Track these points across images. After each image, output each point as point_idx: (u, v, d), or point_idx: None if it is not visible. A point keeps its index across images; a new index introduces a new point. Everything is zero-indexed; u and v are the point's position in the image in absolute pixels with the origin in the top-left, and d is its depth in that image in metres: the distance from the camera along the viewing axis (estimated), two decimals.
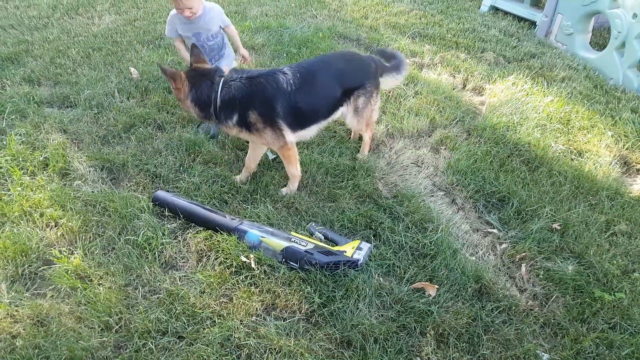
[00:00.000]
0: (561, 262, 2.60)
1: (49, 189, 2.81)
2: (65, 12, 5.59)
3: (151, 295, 2.27)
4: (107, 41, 4.77)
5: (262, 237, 2.49)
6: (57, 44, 4.69)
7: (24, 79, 4.05)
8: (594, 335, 2.20)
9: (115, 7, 5.80)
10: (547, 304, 2.39)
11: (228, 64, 3.52)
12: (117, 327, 2.11)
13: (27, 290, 2.26)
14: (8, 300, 2.18)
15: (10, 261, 2.35)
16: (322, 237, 2.60)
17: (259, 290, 2.30)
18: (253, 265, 2.38)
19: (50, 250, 2.44)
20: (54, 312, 2.14)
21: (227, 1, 6.06)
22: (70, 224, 2.57)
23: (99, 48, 4.62)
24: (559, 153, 3.44)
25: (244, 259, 2.40)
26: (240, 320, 2.16)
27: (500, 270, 2.59)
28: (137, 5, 5.86)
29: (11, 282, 2.28)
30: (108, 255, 2.45)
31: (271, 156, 3.20)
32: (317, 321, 2.21)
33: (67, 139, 3.30)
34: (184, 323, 2.13)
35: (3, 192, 2.78)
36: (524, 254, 2.64)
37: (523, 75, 4.41)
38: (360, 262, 2.41)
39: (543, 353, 2.14)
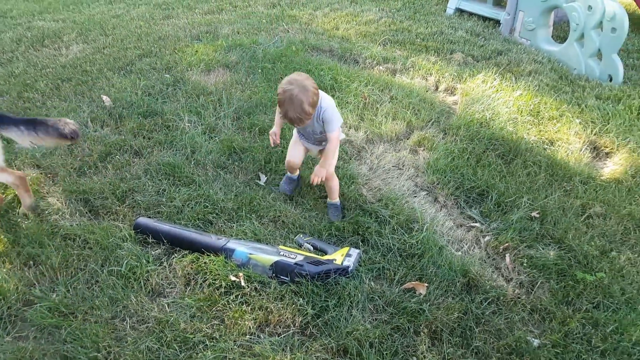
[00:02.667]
0: (543, 248, 2.67)
1: (24, 226, 2.74)
2: (30, 44, 5.51)
3: (140, 325, 2.21)
4: (76, 71, 4.72)
5: (250, 254, 2.48)
6: (23, 77, 4.61)
7: None
8: (580, 315, 2.26)
9: (83, 35, 5.74)
10: (533, 290, 2.44)
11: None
12: None
13: (7, 334, 2.16)
14: None
15: None
16: (311, 248, 2.59)
17: (251, 308, 2.28)
18: (243, 284, 2.36)
19: (30, 289, 2.36)
20: (38, 353, 2.06)
21: (198, 22, 6.08)
22: (50, 260, 2.50)
23: (68, 78, 4.56)
24: (532, 144, 3.53)
25: (233, 278, 2.38)
26: (234, 341, 2.13)
27: (485, 262, 2.63)
28: (105, 32, 5.82)
29: None
30: (92, 288, 2.38)
31: (263, 180, 3.20)
32: (312, 332, 2.20)
33: (41, 173, 3.24)
34: (176, 350, 2.08)
35: None
36: (507, 244, 2.69)
37: (492, 73, 4.53)
38: (350, 268, 2.42)
39: (534, 339, 2.18)
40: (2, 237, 2.67)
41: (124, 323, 2.22)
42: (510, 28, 5.65)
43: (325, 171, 2.62)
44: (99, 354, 2.06)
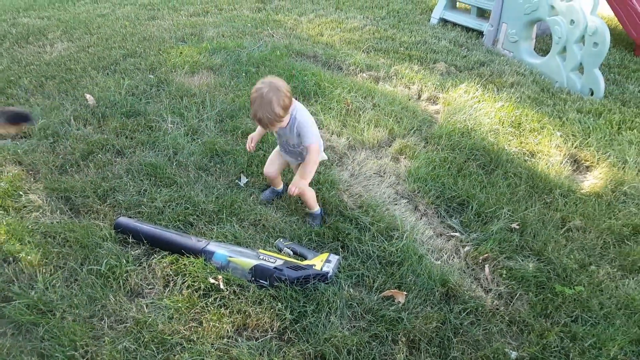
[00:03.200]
0: (522, 260, 2.70)
1: (4, 223, 2.70)
2: (15, 41, 5.43)
3: (117, 325, 2.20)
4: (60, 69, 4.66)
5: (229, 257, 2.47)
6: (7, 74, 4.54)
7: None
8: (558, 329, 2.29)
9: (67, 34, 5.68)
10: (511, 302, 2.47)
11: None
12: None
13: None
14: None
15: None
16: (291, 252, 2.60)
17: (229, 312, 2.28)
18: (222, 286, 2.36)
19: (9, 286, 2.33)
20: (16, 350, 2.05)
21: (183, 23, 6.06)
22: (29, 257, 2.47)
23: (52, 76, 4.51)
24: (513, 155, 3.59)
25: (212, 281, 2.38)
26: (212, 344, 2.13)
27: (465, 272, 2.66)
28: (90, 31, 5.76)
29: None
30: (71, 287, 2.36)
31: (243, 181, 3.20)
32: (290, 338, 2.21)
33: (23, 170, 3.19)
34: (153, 351, 2.07)
35: None
36: (486, 255, 2.72)
37: (474, 83, 4.61)
38: (329, 274, 2.43)
39: (511, 351, 2.20)
40: None
41: (102, 322, 2.21)
42: (494, 39, 5.76)
43: (305, 182, 2.55)
44: (76, 353, 2.04)
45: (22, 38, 5.52)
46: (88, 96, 4.08)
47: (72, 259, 2.50)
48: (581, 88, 4.64)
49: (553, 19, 4.79)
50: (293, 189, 2.52)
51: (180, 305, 2.28)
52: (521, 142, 3.78)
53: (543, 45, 5.72)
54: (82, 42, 5.39)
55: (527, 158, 3.62)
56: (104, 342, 2.10)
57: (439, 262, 2.68)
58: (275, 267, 2.41)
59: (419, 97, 4.53)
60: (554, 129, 3.92)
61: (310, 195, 2.82)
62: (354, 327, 2.27)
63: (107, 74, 4.59)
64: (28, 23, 6.06)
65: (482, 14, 6.25)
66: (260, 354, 2.11)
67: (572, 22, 4.57)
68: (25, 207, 2.87)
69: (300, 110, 2.55)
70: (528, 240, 2.83)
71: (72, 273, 2.44)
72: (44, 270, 2.43)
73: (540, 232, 2.88)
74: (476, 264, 2.71)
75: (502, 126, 3.93)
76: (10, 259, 2.50)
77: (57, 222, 2.75)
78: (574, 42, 4.58)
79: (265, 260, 2.46)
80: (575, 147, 3.72)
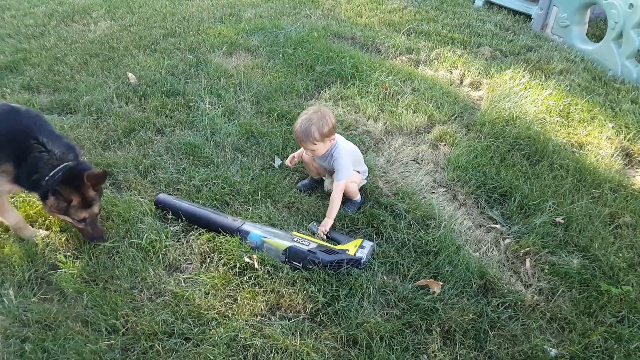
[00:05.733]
0: (566, 256, 2.60)
1: None
2: (61, 19, 5.58)
3: (156, 298, 2.27)
4: (103, 47, 4.77)
5: (264, 237, 2.49)
6: (54, 51, 4.69)
7: (23, 86, 4.04)
8: (602, 329, 2.19)
9: (110, 13, 5.79)
10: (553, 298, 2.38)
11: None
12: (124, 329, 2.10)
13: (34, 295, 2.25)
14: (16, 305, 2.18)
15: (17, 266, 2.35)
16: (324, 237, 2.60)
17: (263, 291, 2.30)
18: (256, 266, 2.38)
19: (56, 255, 2.43)
20: (62, 316, 2.15)
21: (221, 4, 6.07)
22: (74, 229, 2.56)
23: (96, 54, 4.62)
24: (560, 146, 3.43)
25: (247, 260, 2.41)
26: (246, 321, 2.16)
27: (504, 265, 2.58)
28: (132, 10, 5.86)
29: (19, 287, 2.28)
30: (113, 259, 2.44)
31: (277, 163, 3.21)
32: (322, 320, 2.21)
33: None
34: (190, 324, 2.13)
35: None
36: (528, 248, 2.63)
37: (521, 69, 4.41)
38: (363, 260, 2.41)
39: (551, 348, 2.13)
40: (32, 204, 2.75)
41: (142, 294, 2.28)
42: (543, 24, 5.48)
43: (331, 221, 2.66)
44: (117, 322, 2.12)
45: (68, 16, 5.67)
46: (130, 74, 4.16)
47: (114, 232, 2.57)
48: (637, 77, 4.36)
49: (609, 2, 4.51)
50: (322, 229, 2.62)
51: (216, 281, 2.32)
52: (569, 133, 3.61)
53: (596, 31, 5.40)
54: (125, 21, 5.49)
55: (575, 149, 3.45)
56: (143, 313, 2.17)
57: (477, 254, 2.61)
58: (309, 250, 2.42)
59: (461, 82, 4.39)
60: (605, 120, 3.71)
61: (352, 190, 2.81)
62: (387, 314, 2.25)
63: (148, 53, 4.66)
64: (74, 2, 6.20)
65: None
66: (293, 334, 2.13)
67: (630, 5, 4.28)
68: None
69: (340, 148, 2.69)
70: (573, 235, 2.71)
71: (114, 245, 2.52)
72: (88, 242, 2.51)
73: (586, 227, 2.75)
74: (517, 257, 2.63)
75: (549, 115, 3.76)
76: (57, 229, 2.60)
77: None
78: (631, 28, 4.30)
79: (299, 242, 2.46)
80: (628, 140, 3.52)
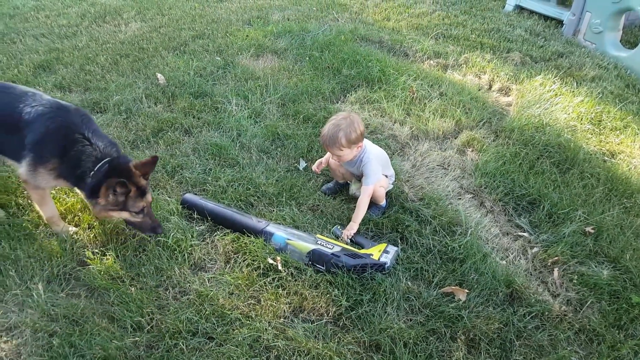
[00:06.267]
0: (595, 266, 2.53)
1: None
2: (93, 20, 5.73)
3: (181, 296, 2.29)
4: (133, 48, 4.87)
5: (288, 239, 2.50)
6: (86, 51, 4.81)
7: (56, 85, 4.16)
8: (633, 342, 2.13)
9: (141, 14, 5.92)
10: (581, 309, 2.32)
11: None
12: (149, 327, 2.13)
13: (62, 291, 2.30)
14: (45, 300, 2.23)
15: (46, 262, 2.41)
16: (348, 240, 2.59)
17: (286, 293, 2.31)
18: (280, 268, 2.39)
19: (84, 251, 2.49)
20: (89, 312, 2.19)
21: (249, 6, 6.13)
22: (102, 226, 2.62)
23: (126, 55, 4.72)
24: (591, 154, 3.35)
25: (271, 261, 2.41)
26: (269, 322, 2.17)
27: (531, 274, 2.53)
28: (162, 12, 5.97)
29: (47, 282, 2.34)
30: (139, 256, 2.48)
31: (302, 165, 3.21)
32: (345, 324, 2.20)
33: None
34: (214, 324, 2.14)
35: None
36: (556, 258, 2.57)
37: (551, 75, 4.32)
38: (387, 265, 2.39)
39: None
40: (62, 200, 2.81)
41: (167, 292, 2.31)
42: (575, 29, 5.36)
43: (357, 226, 2.64)
44: (142, 319, 2.15)
45: (100, 17, 5.82)
46: (159, 75, 4.24)
47: None
48: None
49: None
50: (347, 232, 2.61)
51: (240, 282, 2.33)
52: (601, 141, 3.52)
53: (630, 37, 5.26)
54: (155, 23, 5.60)
55: (606, 158, 3.36)
56: (168, 311, 2.20)
57: (504, 262, 2.56)
58: (332, 253, 2.41)
59: (490, 87, 4.32)
60: (638, 129, 3.60)
61: (380, 194, 2.79)
62: (411, 320, 2.22)
63: (177, 54, 4.74)
64: (105, 3, 6.36)
65: (563, 1, 5.85)
66: (315, 337, 2.13)
67: None
68: None
69: (369, 153, 2.67)
70: (603, 245, 2.64)
71: (141, 243, 2.56)
72: (115, 239, 2.57)
73: (617, 238, 2.68)
74: (544, 266, 2.57)
75: (580, 123, 3.67)
76: (86, 225, 2.66)
77: None
78: None
79: (322, 245, 2.46)
80: None
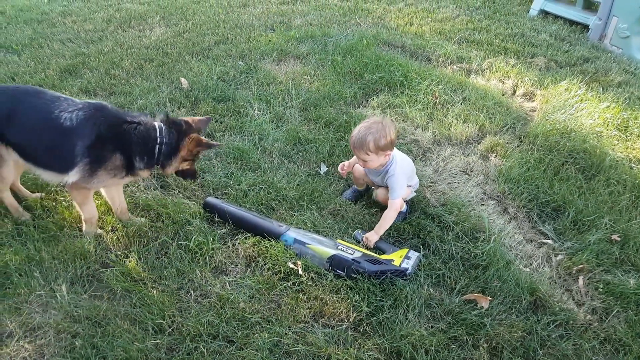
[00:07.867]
0: (622, 275, 2.47)
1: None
2: (119, 25, 5.85)
3: (202, 299, 2.31)
4: (158, 52, 4.96)
5: (308, 244, 2.50)
6: (111, 55, 4.91)
7: (81, 89, 4.25)
8: None
9: (165, 19, 6.03)
10: (607, 319, 2.27)
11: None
12: (170, 329, 2.16)
13: (85, 292, 2.34)
14: (68, 301, 2.27)
15: (70, 263, 2.45)
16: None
17: (307, 297, 2.31)
18: (300, 272, 2.39)
19: (107, 253, 2.53)
20: (111, 313, 2.22)
21: (272, 12, 6.19)
22: (125, 228, 2.67)
23: (150, 59, 4.81)
24: (617, 161, 3.27)
25: (291, 266, 2.42)
26: (289, 327, 2.17)
27: (556, 282, 2.48)
28: (186, 17, 6.07)
29: (71, 283, 2.37)
30: (161, 259, 2.52)
31: (323, 169, 3.22)
32: (365, 330, 2.19)
33: None
34: (234, 327, 2.15)
35: (62, 198, 2.92)
36: (581, 266, 2.52)
37: (577, 81, 4.24)
38: (408, 271, 2.37)
39: None
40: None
41: (188, 295, 2.33)
42: (601, 34, 5.25)
43: (377, 237, 2.61)
44: (164, 322, 2.17)
45: (125, 22, 5.94)
46: (183, 80, 4.31)
47: (163, 233, 2.65)
48: None
49: None
50: (367, 241, 2.59)
51: (260, 286, 2.34)
52: (627, 147, 3.43)
53: None
54: (179, 28, 5.69)
55: (633, 165, 3.28)
56: (189, 313, 2.22)
57: (528, 270, 2.52)
58: (353, 259, 2.40)
59: (514, 92, 4.26)
60: None
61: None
62: (432, 327, 2.20)
63: (201, 59, 4.81)
64: (130, 8, 6.49)
65: (589, 6, 5.73)
66: (336, 343, 2.12)
67: None
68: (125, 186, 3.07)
69: (396, 165, 2.62)
70: (630, 254, 2.58)
71: (163, 246, 2.59)
72: (138, 242, 2.60)
73: None
74: (569, 274, 2.52)
75: (606, 129, 3.59)
76: (109, 228, 2.71)
77: (152, 197, 2.93)
78: None
79: (343, 250, 2.45)
80: None
